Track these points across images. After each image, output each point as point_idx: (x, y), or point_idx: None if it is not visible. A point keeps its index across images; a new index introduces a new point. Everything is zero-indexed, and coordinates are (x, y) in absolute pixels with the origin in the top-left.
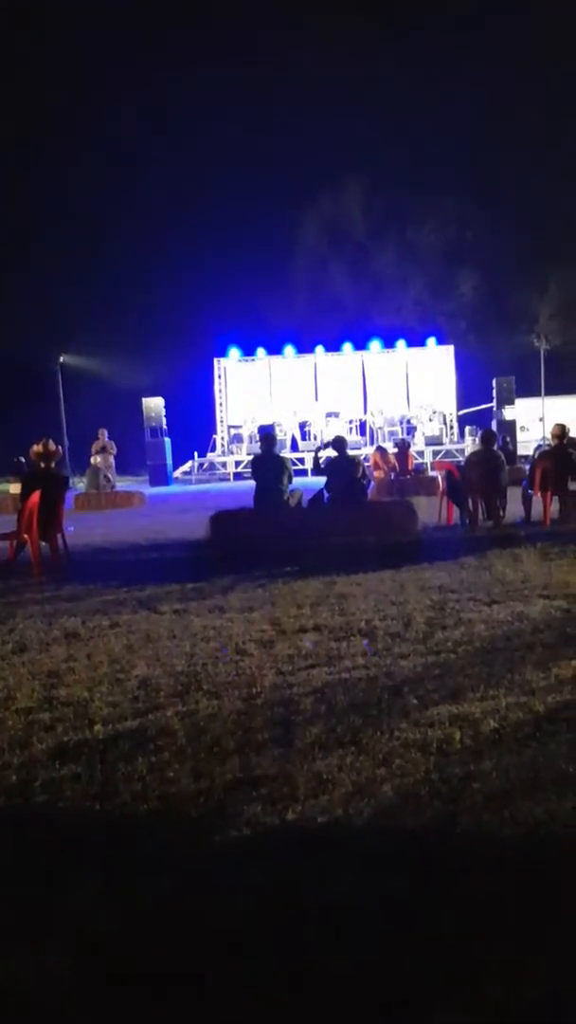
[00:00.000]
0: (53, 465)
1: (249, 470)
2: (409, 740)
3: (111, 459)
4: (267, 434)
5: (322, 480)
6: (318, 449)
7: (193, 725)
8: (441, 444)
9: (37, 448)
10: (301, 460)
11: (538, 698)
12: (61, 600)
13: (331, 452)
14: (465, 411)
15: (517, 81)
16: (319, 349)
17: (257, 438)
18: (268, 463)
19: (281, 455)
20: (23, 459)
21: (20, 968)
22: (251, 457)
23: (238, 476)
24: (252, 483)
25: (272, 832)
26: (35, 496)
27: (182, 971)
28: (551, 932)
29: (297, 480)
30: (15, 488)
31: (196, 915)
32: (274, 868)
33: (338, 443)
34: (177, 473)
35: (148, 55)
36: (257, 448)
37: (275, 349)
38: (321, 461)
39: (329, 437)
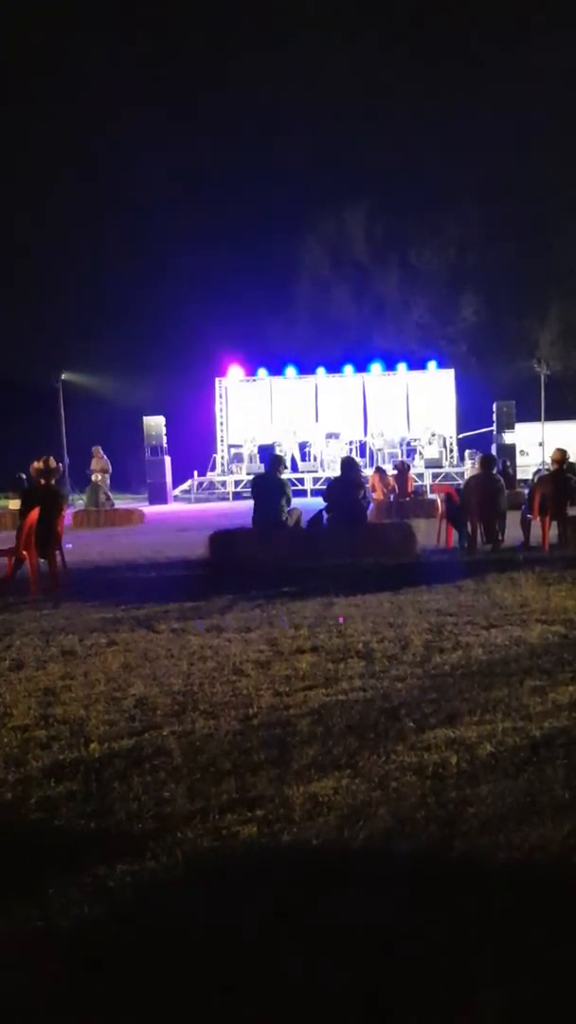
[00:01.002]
0: (53, 482)
1: (249, 490)
2: (405, 763)
3: (107, 478)
4: (271, 455)
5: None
6: (332, 484)
7: (189, 745)
8: (441, 467)
9: (37, 464)
10: (301, 481)
11: (535, 723)
12: (59, 617)
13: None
14: (465, 434)
15: (521, 109)
16: (320, 370)
17: (257, 458)
18: (268, 483)
19: (281, 476)
20: (23, 475)
21: (11, 986)
22: (251, 477)
23: (237, 496)
24: (251, 503)
25: (267, 854)
26: (34, 513)
27: (176, 992)
28: (545, 957)
29: (296, 501)
30: (14, 504)
31: (191, 936)
32: (269, 890)
33: (345, 465)
34: (176, 492)
35: (153, 75)
36: (257, 468)
37: (276, 370)
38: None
39: (329, 458)
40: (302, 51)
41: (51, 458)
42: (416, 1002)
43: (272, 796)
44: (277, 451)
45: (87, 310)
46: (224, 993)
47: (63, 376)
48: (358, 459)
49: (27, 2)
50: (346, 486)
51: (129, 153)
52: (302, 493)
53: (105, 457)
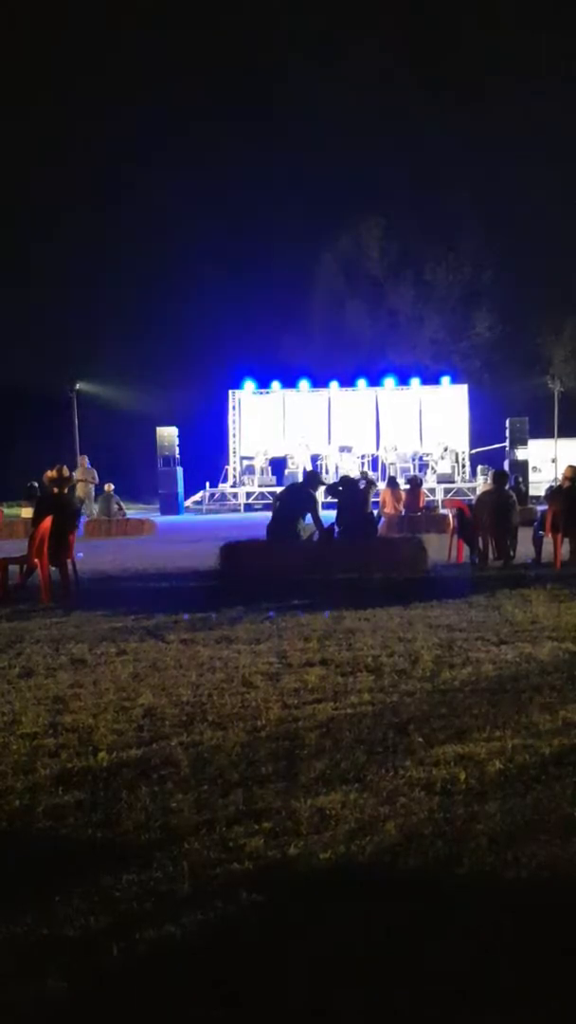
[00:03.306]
0: (66, 491)
1: (260, 501)
2: (414, 779)
3: (91, 488)
4: (310, 472)
5: (333, 514)
6: (334, 486)
7: (197, 756)
8: (453, 482)
9: (51, 474)
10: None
11: (544, 740)
12: (69, 626)
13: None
14: (478, 450)
15: (537, 125)
16: (333, 384)
17: (269, 471)
18: (297, 495)
19: (313, 493)
20: (36, 484)
21: (15, 996)
22: (262, 489)
23: (249, 507)
24: (263, 515)
25: (274, 867)
26: (47, 521)
27: (179, 1004)
28: (551, 975)
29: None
30: (27, 512)
31: (195, 947)
32: (275, 903)
33: (347, 480)
34: (188, 503)
35: (170, 88)
36: (269, 480)
37: (290, 383)
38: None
39: (343, 471)
40: (321, 63)
41: (64, 467)
42: (421, 1017)
43: (279, 809)
44: (289, 463)
45: (102, 321)
46: (228, 1006)
47: (77, 386)
48: (370, 473)
49: (29, 4)
50: (354, 500)
51: (147, 166)
52: None
53: (91, 467)
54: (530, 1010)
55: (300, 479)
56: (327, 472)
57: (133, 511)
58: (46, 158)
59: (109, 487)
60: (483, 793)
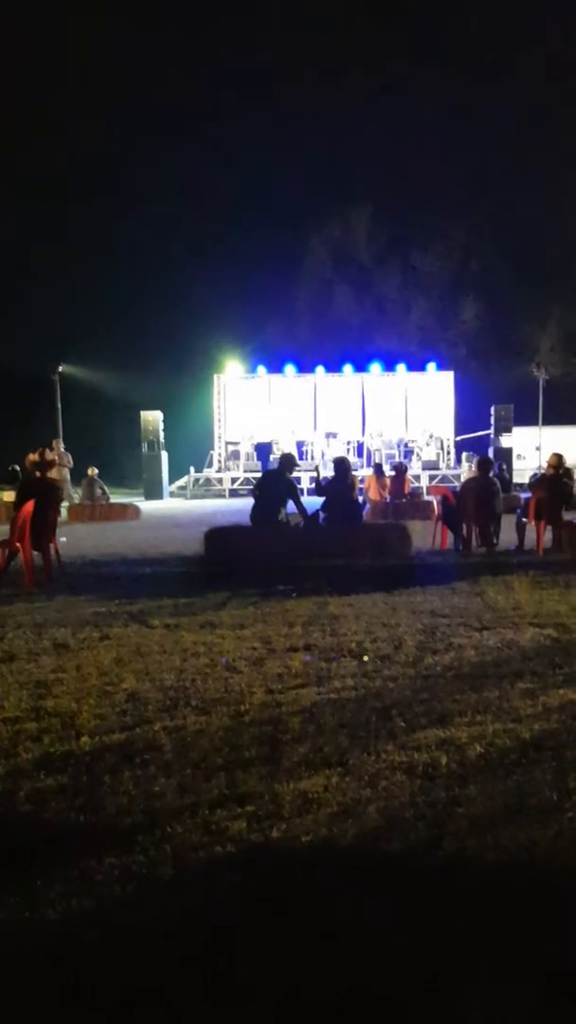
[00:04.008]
0: (48, 474)
1: (246, 487)
2: (396, 763)
3: (66, 472)
4: (284, 454)
5: (318, 500)
6: (317, 472)
7: (180, 740)
8: (438, 469)
9: (33, 457)
10: (298, 480)
11: (525, 725)
12: (51, 611)
13: (329, 473)
14: (463, 437)
15: (524, 114)
16: (320, 369)
17: (255, 456)
18: (274, 481)
19: (289, 477)
20: (18, 468)
21: None
22: (248, 475)
23: (234, 493)
24: (248, 500)
25: (256, 850)
26: (29, 505)
27: (160, 988)
28: (530, 956)
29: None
30: (9, 496)
31: (178, 930)
32: (257, 885)
33: (339, 464)
34: (172, 488)
35: (154, 74)
36: (254, 466)
37: (276, 368)
38: (320, 479)
39: (328, 457)
40: (308, 47)
41: (47, 451)
42: (404, 999)
43: (262, 793)
44: (275, 448)
45: (86, 303)
46: (210, 987)
47: (60, 369)
48: (354, 459)
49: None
50: (340, 486)
51: (130, 149)
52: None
53: (66, 451)
54: (509, 992)
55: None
56: (312, 458)
57: (117, 496)
58: (28, 143)
59: (93, 471)
60: (464, 777)
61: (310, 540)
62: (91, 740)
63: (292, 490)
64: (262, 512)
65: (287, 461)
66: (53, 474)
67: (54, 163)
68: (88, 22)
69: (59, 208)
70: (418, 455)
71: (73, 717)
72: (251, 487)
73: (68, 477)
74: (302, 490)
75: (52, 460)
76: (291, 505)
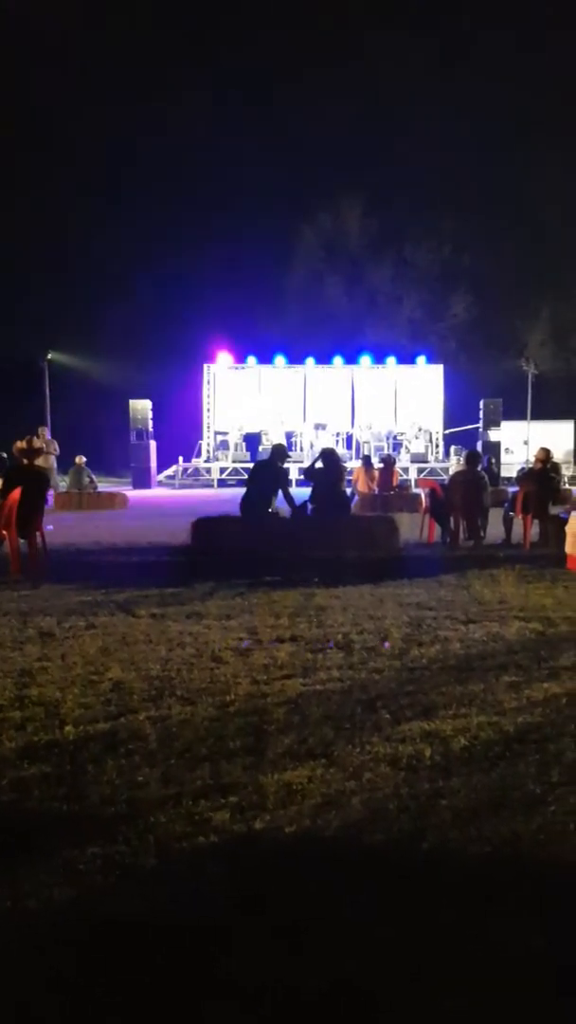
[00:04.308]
0: (35, 462)
1: (235, 477)
2: (380, 754)
3: (52, 459)
4: (276, 445)
5: (307, 490)
6: (313, 463)
7: (165, 730)
8: (426, 462)
9: (20, 444)
10: (287, 471)
11: (509, 718)
12: (37, 599)
13: (318, 464)
14: (451, 431)
15: (517, 108)
16: (310, 361)
17: (244, 446)
18: (265, 471)
19: (281, 467)
20: (5, 455)
21: None
22: (236, 465)
23: (222, 483)
24: (236, 490)
25: (239, 840)
26: (16, 493)
27: (141, 977)
28: (513, 949)
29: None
30: None
31: (160, 920)
32: (240, 876)
33: (327, 455)
34: (161, 477)
35: (146, 63)
36: (243, 456)
37: (266, 358)
38: (313, 467)
39: (317, 448)
40: (302, 39)
41: (34, 438)
42: (388, 991)
43: (246, 783)
44: (263, 439)
45: (76, 290)
46: (193, 978)
47: (49, 355)
48: (343, 451)
49: None
50: (329, 478)
51: (121, 135)
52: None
53: (52, 439)
54: (493, 985)
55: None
56: (301, 449)
57: (105, 484)
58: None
59: (81, 459)
60: (448, 769)
61: (298, 531)
62: (75, 729)
63: (283, 481)
64: (252, 502)
65: (279, 451)
66: (40, 462)
67: (45, 151)
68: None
69: (50, 195)
70: (407, 448)
71: (57, 706)
72: (241, 477)
73: (55, 465)
74: (292, 481)
75: (39, 448)
76: (281, 497)
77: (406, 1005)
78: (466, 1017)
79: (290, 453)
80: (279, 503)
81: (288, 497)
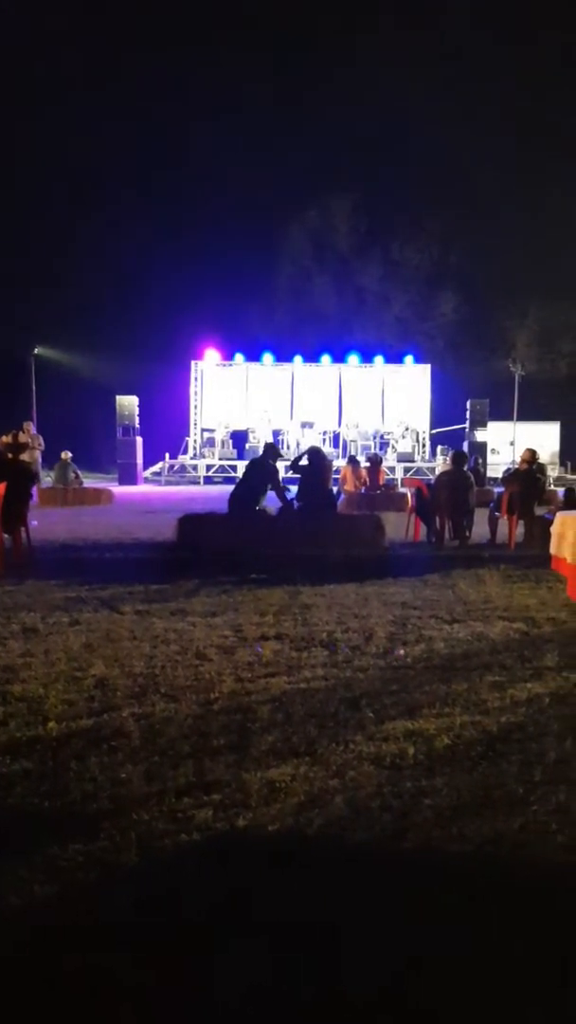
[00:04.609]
0: (22, 457)
1: (221, 475)
2: (363, 753)
3: (37, 454)
4: (271, 444)
5: (294, 488)
6: (298, 458)
7: (148, 727)
8: (413, 461)
9: (5, 439)
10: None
11: (492, 718)
12: (21, 595)
13: (306, 461)
14: (438, 430)
15: (507, 109)
16: (297, 359)
17: (230, 443)
18: (256, 468)
19: (273, 465)
20: None
21: None
22: (223, 462)
23: (208, 480)
24: (222, 487)
25: (222, 838)
26: (0, 487)
27: (122, 979)
28: (494, 947)
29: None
30: None
31: (142, 918)
32: (223, 874)
33: (314, 453)
34: (147, 473)
35: (134, 61)
36: (230, 453)
37: (254, 356)
38: (299, 462)
39: (304, 446)
40: (289, 36)
41: (20, 433)
42: (369, 992)
43: (229, 781)
44: (251, 436)
45: (64, 285)
46: (174, 980)
47: (36, 350)
48: (330, 449)
49: None
50: (317, 476)
51: (107, 132)
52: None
53: (37, 434)
54: (474, 985)
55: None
56: (288, 447)
57: (91, 480)
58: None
59: (66, 455)
60: (431, 768)
61: (283, 529)
62: (58, 726)
63: (273, 477)
64: (242, 498)
65: (271, 449)
66: (25, 457)
67: (28, 141)
68: None
69: (37, 191)
70: (393, 447)
71: (40, 702)
72: (227, 474)
73: (40, 460)
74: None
75: (25, 443)
76: (271, 496)
77: (387, 1006)
78: (450, 1016)
79: (282, 452)
80: (268, 501)
81: (279, 492)
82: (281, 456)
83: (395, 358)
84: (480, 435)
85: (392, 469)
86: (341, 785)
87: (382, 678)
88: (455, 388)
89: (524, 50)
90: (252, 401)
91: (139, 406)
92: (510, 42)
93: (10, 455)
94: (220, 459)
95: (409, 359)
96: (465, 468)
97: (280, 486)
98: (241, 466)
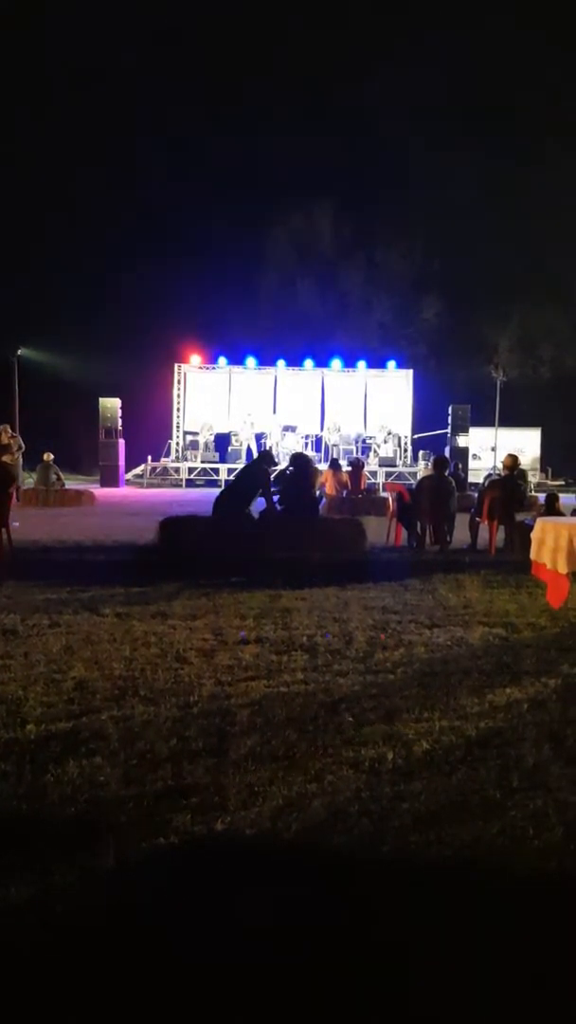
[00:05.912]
0: (3, 458)
1: (203, 477)
2: (342, 757)
3: (18, 456)
4: (266, 451)
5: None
6: (285, 470)
7: (127, 730)
8: (394, 466)
9: None
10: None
11: (471, 723)
12: (1, 596)
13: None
14: (420, 435)
15: (489, 115)
16: (280, 363)
17: (213, 446)
18: (251, 473)
19: (264, 470)
20: None
21: None
22: (205, 465)
23: (191, 483)
24: (205, 491)
25: (200, 842)
26: None
27: (96, 978)
28: (471, 951)
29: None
30: None
31: (119, 922)
32: (199, 878)
33: (300, 459)
34: (129, 476)
35: (121, 64)
36: (212, 456)
37: (237, 359)
38: (285, 470)
39: (285, 450)
40: (274, 42)
41: (2, 434)
42: (349, 996)
43: (208, 785)
44: (233, 440)
45: (47, 287)
46: (150, 978)
47: (19, 351)
48: (312, 453)
49: None
50: (298, 482)
51: (94, 131)
52: None
53: (16, 435)
54: (453, 989)
55: (244, 457)
56: (270, 450)
57: (73, 482)
58: None
59: (48, 456)
60: (409, 773)
61: (265, 532)
62: (37, 728)
63: (264, 481)
64: (227, 502)
65: (266, 456)
66: (6, 458)
67: (10, 144)
68: None
69: (20, 192)
70: (375, 451)
71: (19, 704)
72: (209, 477)
73: (20, 462)
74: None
75: (6, 444)
76: (260, 501)
77: (366, 1011)
78: (436, 1016)
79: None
80: (258, 507)
81: (267, 495)
82: (276, 464)
83: (378, 363)
84: (462, 440)
85: (374, 473)
86: (320, 789)
87: (362, 682)
88: (437, 393)
89: (503, 53)
90: (235, 404)
91: (122, 408)
92: (492, 48)
93: None
94: (203, 462)
95: (392, 364)
96: (446, 473)
97: (270, 492)
98: (224, 469)
